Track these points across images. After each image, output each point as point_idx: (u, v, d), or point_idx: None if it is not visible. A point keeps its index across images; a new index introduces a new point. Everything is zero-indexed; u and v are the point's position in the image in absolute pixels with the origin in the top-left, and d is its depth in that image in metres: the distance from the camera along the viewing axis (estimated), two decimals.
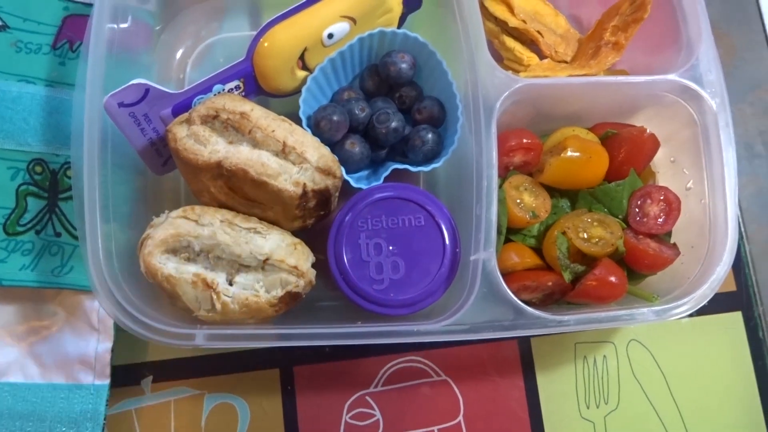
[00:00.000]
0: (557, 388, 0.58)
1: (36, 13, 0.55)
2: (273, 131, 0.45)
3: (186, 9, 0.58)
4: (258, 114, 0.46)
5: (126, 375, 0.54)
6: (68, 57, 0.55)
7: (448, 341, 0.57)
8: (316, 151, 0.46)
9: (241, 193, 0.47)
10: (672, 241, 0.55)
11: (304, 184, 0.46)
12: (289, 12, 0.49)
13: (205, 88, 0.49)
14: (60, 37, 0.55)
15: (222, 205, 0.48)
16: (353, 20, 0.51)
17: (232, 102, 0.46)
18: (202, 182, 0.47)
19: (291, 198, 0.46)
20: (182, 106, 0.49)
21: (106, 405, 0.52)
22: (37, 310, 0.53)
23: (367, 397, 0.56)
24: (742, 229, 0.62)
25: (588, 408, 0.57)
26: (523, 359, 0.58)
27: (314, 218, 0.49)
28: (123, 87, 0.45)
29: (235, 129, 0.45)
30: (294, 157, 0.46)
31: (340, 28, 0.50)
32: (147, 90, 0.46)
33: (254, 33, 0.50)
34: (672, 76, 0.51)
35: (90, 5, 0.56)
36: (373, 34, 0.52)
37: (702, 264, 0.51)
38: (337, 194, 0.49)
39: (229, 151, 0.45)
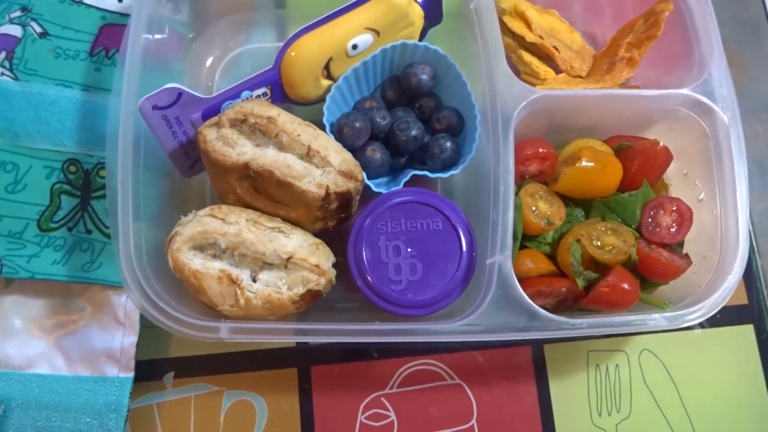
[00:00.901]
0: (570, 395, 0.58)
1: (75, 22, 0.57)
2: (298, 135, 0.47)
3: (216, 21, 0.61)
4: (284, 119, 0.48)
5: (149, 370, 0.56)
6: (104, 63, 0.57)
7: (463, 345, 0.58)
8: (338, 155, 0.48)
9: (266, 194, 0.49)
10: (684, 251, 0.56)
11: (327, 186, 0.47)
12: (315, 23, 0.52)
13: (234, 94, 0.51)
14: (96, 45, 0.57)
15: (247, 206, 0.50)
16: (377, 32, 0.53)
17: (260, 107, 0.48)
18: (228, 183, 0.49)
19: (314, 199, 0.47)
20: (212, 111, 0.51)
21: (130, 397, 0.53)
22: (65, 305, 0.55)
23: (383, 399, 0.57)
24: (754, 244, 0.63)
25: (600, 416, 0.58)
26: (536, 366, 0.59)
27: (335, 221, 0.51)
28: (157, 90, 0.48)
29: (262, 132, 0.47)
30: (318, 161, 0.47)
31: (364, 39, 0.53)
32: (180, 94, 0.49)
33: (280, 44, 0.52)
34: (684, 91, 0.53)
35: (126, 15, 0.58)
36: (396, 46, 0.54)
37: (713, 273, 0.52)
38: (358, 198, 0.51)
39: (256, 153, 0.47)
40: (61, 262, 0.54)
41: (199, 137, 0.48)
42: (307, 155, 0.47)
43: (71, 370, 0.54)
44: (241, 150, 0.47)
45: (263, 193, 0.48)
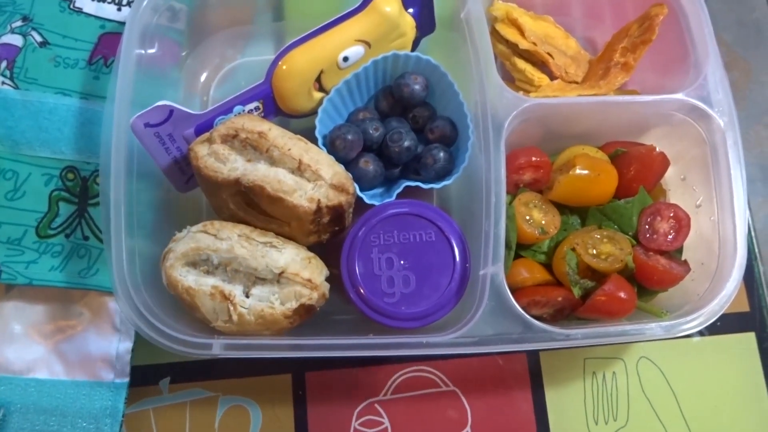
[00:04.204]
0: (566, 403, 0.58)
1: (74, 31, 0.58)
2: (289, 149, 0.47)
3: (213, 34, 0.60)
4: (275, 133, 0.48)
5: (145, 375, 0.56)
6: (102, 72, 0.57)
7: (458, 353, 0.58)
8: (330, 168, 0.48)
9: (259, 209, 0.49)
10: (683, 258, 0.55)
11: (319, 200, 0.47)
12: (306, 36, 0.51)
13: (226, 109, 0.52)
14: (95, 53, 0.58)
15: (241, 221, 0.50)
16: (368, 44, 0.52)
17: (250, 122, 0.48)
18: (221, 198, 0.49)
19: (306, 213, 0.47)
20: (204, 126, 0.51)
21: (125, 402, 0.54)
22: (64, 310, 0.56)
23: (377, 405, 0.57)
24: (757, 250, 0.62)
25: (596, 424, 0.58)
26: (532, 373, 0.58)
27: (328, 233, 0.51)
28: (149, 108, 0.48)
29: (253, 148, 0.47)
30: (309, 175, 0.47)
31: (355, 51, 0.52)
32: (171, 111, 0.49)
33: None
34: (680, 96, 0.52)
35: (124, 24, 0.58)
36: (387, 56, 0.53)
37: (712, 280, 0.52)
38: (350, 210, 0.51)
39: (247, 168, 0.47)
40: (59, 268, 0.55)
41: (191, 154, 0.48)
42: (299, 169, 0.47)
43: (69, 375, 0.55)
44: (233, 166, 0.47)
45: (256, 208, 0.49)
